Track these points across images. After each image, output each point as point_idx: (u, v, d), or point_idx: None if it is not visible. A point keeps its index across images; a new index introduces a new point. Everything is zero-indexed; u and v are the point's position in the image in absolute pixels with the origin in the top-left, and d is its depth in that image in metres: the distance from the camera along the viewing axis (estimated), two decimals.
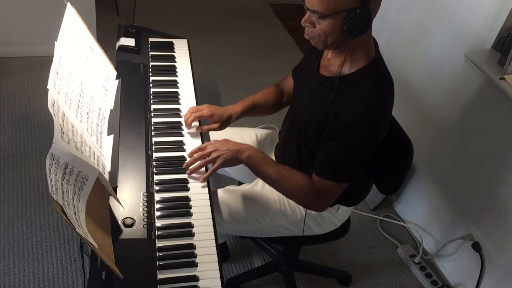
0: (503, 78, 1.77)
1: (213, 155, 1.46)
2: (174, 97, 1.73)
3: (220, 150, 1.46)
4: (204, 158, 1.47)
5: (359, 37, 1.31)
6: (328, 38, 1.32)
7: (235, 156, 1.46)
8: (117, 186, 1.33)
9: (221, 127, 1.66)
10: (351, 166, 1.43)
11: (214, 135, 1.82)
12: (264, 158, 1.50)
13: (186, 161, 1.49)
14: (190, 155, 1.50)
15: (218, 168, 1.47)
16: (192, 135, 1.62)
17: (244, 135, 1.88)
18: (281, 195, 1.64)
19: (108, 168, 1.33)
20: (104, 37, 2.53)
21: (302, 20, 1.33)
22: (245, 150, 1.47)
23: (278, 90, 1.78)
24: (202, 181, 1.46)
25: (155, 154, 1.51)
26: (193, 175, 1.48)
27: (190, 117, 1.62)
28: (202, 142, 1.61)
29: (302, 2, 1.32)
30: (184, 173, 1.48)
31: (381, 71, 1.40)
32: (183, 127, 1.64)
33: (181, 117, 1.67)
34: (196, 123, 1.64)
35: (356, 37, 1.31)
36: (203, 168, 1.49)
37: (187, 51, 1.98)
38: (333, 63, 1.44)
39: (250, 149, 1.49)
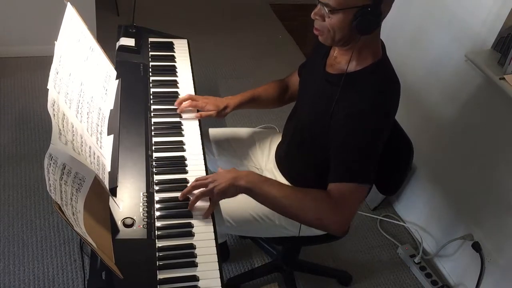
0: (503, 78, 1.76)
1: (210, 186, 1.38)
2: (174, 97, 1.73)
3: (218, 181, 1.38)
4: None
5: (368, 35, 1.30)
6: (336, 33, 1.31)
7: (231, 184, 1.37)
8: (117, 186, 1.33)
9: (218, 115, 1.69)
10: (364, 162, 1.36)
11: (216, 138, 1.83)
12: (266, 180, 1.41)
13: (183, 191, 1.41)
14: (193, 184, 1.42)
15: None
16: (192, 134, 1.62)
17: (244, 136, 1.88)
18: None
19: (108, 168, 1.32)
20: (104, 37, 2.52)
21: (312, 13, 1.32)
22: (243, 177, 1.39)
23: (282, 86, 1.80)
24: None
25: (155, 154, 1.51)
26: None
27: (187, 103, 1.68)
28: (202, 141, 1.61)
29: None
30: (184, 173, 1.48)
31: (387, 71, 1.40)
32: (183, 127, 1.64)
33: (181, 117, 1.67)
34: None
35: (364, 35, 1.30)
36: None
37: (187, 51, 1.98)
38: (339, 61, 1.44)
39: (250, 174, 1.40)
